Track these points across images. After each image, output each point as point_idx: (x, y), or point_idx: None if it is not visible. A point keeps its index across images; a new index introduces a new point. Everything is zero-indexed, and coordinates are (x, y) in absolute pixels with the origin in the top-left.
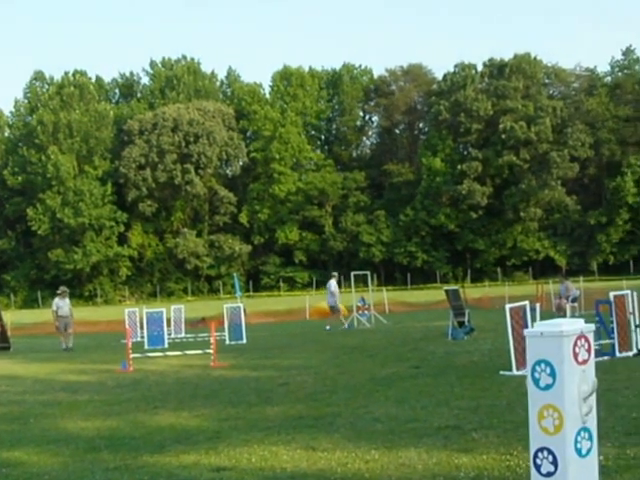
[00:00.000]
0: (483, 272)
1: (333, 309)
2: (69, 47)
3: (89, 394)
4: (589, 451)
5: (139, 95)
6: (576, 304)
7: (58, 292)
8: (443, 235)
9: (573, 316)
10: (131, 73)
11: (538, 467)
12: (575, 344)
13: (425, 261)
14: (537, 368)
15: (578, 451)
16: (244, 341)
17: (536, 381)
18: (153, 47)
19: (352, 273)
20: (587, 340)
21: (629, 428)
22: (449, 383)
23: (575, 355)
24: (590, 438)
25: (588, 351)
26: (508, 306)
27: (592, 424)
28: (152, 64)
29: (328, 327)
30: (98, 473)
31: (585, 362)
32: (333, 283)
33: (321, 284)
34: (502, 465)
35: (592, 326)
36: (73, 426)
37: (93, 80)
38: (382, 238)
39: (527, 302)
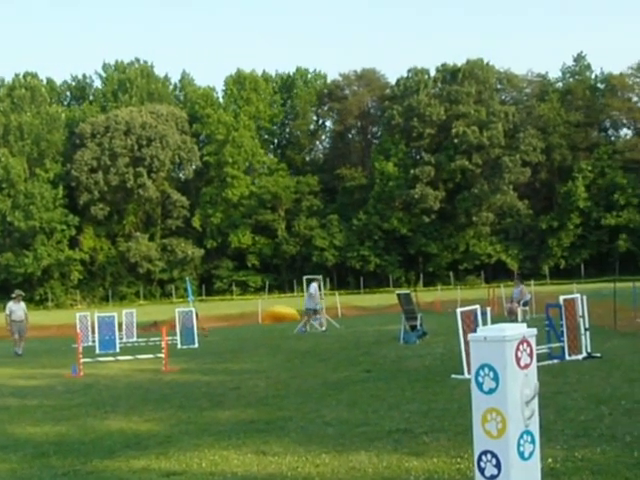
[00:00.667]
0: (435, 276)
1: (308, 311)
2: (20, 49)
3: (38, 399)
4: (531, 454)
5: (91, 98)
6: (527, 308)
7: (13, 296)
8: (396, 239)
9: (524, 320)
10: (83, 76)
11: (482, 470)
12: (517, 349)
13: (378, 265)
14: (481, 372)
15: (521, 454)
16: (196, 345)
17: (480, 385)
18: (106, 50)
19: (304, 277)
20: (529, 345)
21: (578, 431)
22: (400, 387)
23: (517, 359)
24: (533, 441)
25: (530, 355)
26: (459, 310)
27: (534, 427)
28: (105, 67)
29: (303, 329)
30: (47, 479)
31: (527, 366)
32: (314, 286)
33: (274, 288)
34: (452, 468)
35: (534, 330)
36: (21, 432)
37: (44, 82)
38: (335, 242)
39: (478, 306)
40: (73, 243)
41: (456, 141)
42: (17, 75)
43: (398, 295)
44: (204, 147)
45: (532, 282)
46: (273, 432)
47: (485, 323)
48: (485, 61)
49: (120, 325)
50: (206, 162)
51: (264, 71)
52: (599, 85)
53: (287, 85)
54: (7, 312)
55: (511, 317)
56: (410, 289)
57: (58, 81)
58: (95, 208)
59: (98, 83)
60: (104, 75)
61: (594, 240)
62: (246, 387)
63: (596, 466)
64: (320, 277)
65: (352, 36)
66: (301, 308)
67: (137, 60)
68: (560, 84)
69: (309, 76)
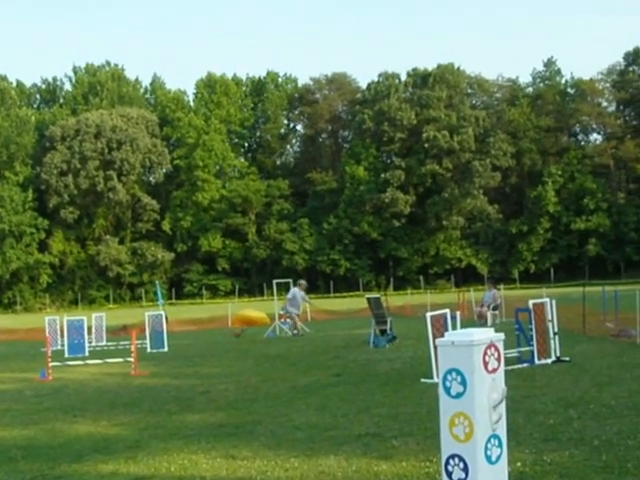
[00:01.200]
0: (406, 280)
1: (291, 314)
2: None
3: (7, 403)
4: (499, 458)
5: (62, 101)
6: (497, 312)
7: None
8: (366, 243)
9: (494, 324)
10: (54, 78)
11: (449, 474)
12: (485, 353)
13: (348, 269)
14: (448, 377)
15: (488, 458)
16: (165, 349)
17: (447, 389)
18: (76, 52)
19: (274, 281)
20: (497, 349)
21: (546, 434)
22: (370, 391)
23: (485, 364)
24: (500, 445)
25: (498, 360)
26: (429, 314)
27: (502, 431)
28: (75, 70)
29: (295, 331)
30: None
31: (495, 370)
32: (293, 290)
33: (244, 292)
34: (421, 472)
35: (502, 335)
36: None
37: (14, 85)
38: (305, 246)
39: (448, 310)
40: (42, 246)
41: (426, 145)
42: None
43: (368, 299)
44: (174, 150)
45: (502, 286)
46: (242, 436)
47: (455, 327)
48: (456, 66)
49: (89, 329)
50: (176, 166)
51: (235, 75)
52: (569, 90)
53: (258, 89)
54: None
55: (480, 321)
56: (380, 293)
57: (28, 84)
58: (65, 211)
59: (69, 86)
60: (74, 78)
61: (564, 244)
62: (215, 391)
63: (564, 470)
64: (304, 282)
65: (323, 40)
66: (271, 312)
67: (108, 63)
68: (530, 89)
69: (280, 80)
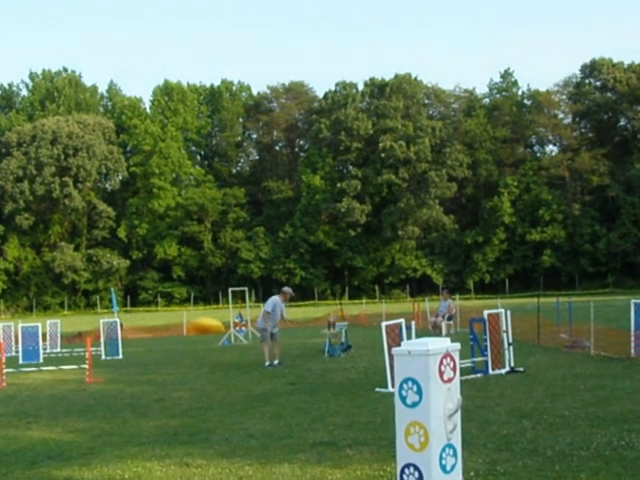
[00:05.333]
0: (361, 289)
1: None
2: None
3: None
4: (453, 467)
5: (18, 106)
6: (451, 322)
7: None
8: (322, 252)
9: (448, 334)
10: (9, 84)
11: None
12: (441, 363)
13: (303, 278)
14: (404, 386)
15: (443, 467)
16: (120, 356)
17: (403, 398)
18: (33, 58)
19: (230, 289)
20: (452, 359)
21: (500, 444)
22: (325, 400)
23: (441, 373)
24: (455, 455)
25: (454, 370)
26: (384, 324)
27: (457, 441)
28: (31, 75)
29: (268, 362)
30: None
31: (450, 380)
32: (275, 299)
33: (199, 300)
34: None
35: (458, 345)
36: None
37: None
38: (261, 254)
39: (403, 320)
40: None
41: (383, 155)
42: None
43: None
44: (131, 158)
45: (457, 296)
46: (197, 444)
47: (410, 337)
48: (413, 76)
49: (44, 335)
50: (133, 173)
51: (188, 83)
52: (526, 101)
53: (213, 97)
54: None
55: (435, 331)
56: (336, 302)
57: None
58: (20, 217)
59: (25, 92)
60: (31, 84)
61: (519, 255)
62: (170, 399)
63: None
64: (290, 290)
65: (280, 49)
66: (226, 320)
67: (65, 69)
68: (487, 100)
69: (234, 88)
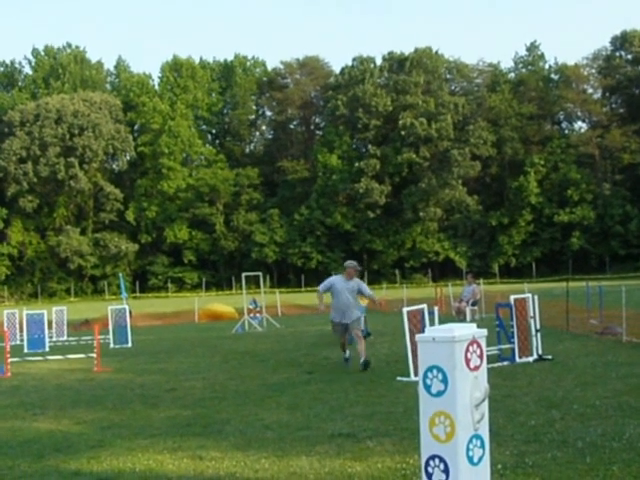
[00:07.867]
0: (381, 274)
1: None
2: None
3: None
4: (481, 459)
5: (21, 84)
6: (476, 307)
7: None
8: (339, 235)
9: (473, 320)
10: (12, 61)
11: (430, 475)
12: (467, 350)
13: (320, 262)
14: (429, 374)
15: (470, 459)
16: (129, 345)
17: (427, 387)
18: (35, 34)
19: (243, 274)
20: (479, 346)
21: (528, 436)
22: (343, 389)
23: (467, 361)
24: (482, 446)
25: (480, 357)
26: (405, 309)
27: (484, 431)
28: (34, 52)
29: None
30: None
31: (477, 368)
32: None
33: (211, 285)
34: (397, 474)
35: (485, 331)
36: None
37: None
38: (275, 238)
39: (425, 305)
40: (0, 237)
41: (403, 133)
42: None
43: None
44: (139, 137)
45: (481, 281)
46: (210, 436)
47: (432, 323)
48: (434, 50)
49: (50, 323)
50: (141, 153)
51: (201, 58)
52: (553, 76)
53: (225, 73)
54: None
55: (459, 317)
56: None
57: None
58: (24, 200)
59: (28, 69)
60: (34, 61)
61: (546, 237)
62: (182, 388)
63: (547, 473)
64: (352, 263)
65: (295, 23)
66: (240, 306)
67: (69, 45)
68: (512, 74)
69: (248, 64)
